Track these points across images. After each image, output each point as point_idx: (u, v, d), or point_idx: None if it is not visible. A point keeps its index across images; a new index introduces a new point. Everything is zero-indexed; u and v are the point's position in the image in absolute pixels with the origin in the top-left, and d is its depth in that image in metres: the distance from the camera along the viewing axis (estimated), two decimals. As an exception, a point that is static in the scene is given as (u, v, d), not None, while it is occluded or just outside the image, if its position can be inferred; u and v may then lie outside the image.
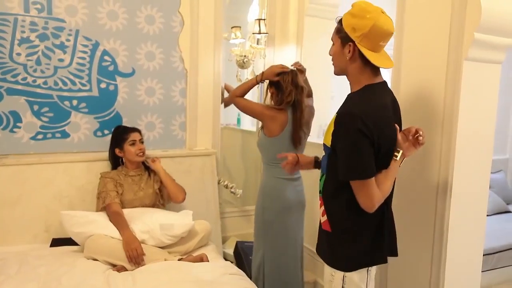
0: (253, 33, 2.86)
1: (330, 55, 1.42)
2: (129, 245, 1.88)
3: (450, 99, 1.63)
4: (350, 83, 1.40)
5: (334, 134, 1.30)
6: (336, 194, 1.36)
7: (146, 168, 2.32)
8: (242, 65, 2.97)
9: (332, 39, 1.40)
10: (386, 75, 1.59)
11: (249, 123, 4.27)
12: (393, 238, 1.45)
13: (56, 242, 2.14)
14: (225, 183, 2.89)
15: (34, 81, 2.30)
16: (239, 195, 2.87)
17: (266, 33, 2.83)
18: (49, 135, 2.37)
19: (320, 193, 1.43)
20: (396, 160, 1.34)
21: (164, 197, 2.31)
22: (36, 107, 2.32)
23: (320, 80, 2.86)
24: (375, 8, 1.29)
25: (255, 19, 2.84)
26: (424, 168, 1.74)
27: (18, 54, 2.25)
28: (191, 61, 2.66)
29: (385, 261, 1.39)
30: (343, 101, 1.38)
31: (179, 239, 2.04)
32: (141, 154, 2.23)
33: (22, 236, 2.17)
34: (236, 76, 3.07)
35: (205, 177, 2.66)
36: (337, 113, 1.33)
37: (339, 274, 1.36)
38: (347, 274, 1.35)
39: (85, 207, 2.24)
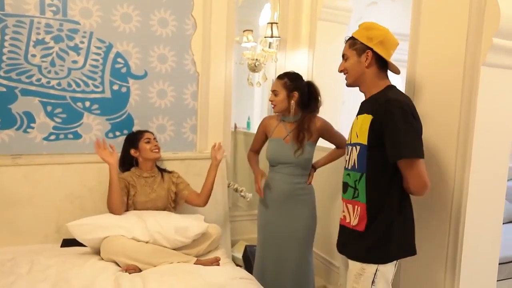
0: (265, 37, 2.86)
1: (341, 71, 1.60)
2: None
3: (466, 105, 1.60)
4: (365, 90, 1.55)
5: (380, 121, 1.40)
6: (384, 190, 1.44)
7: (160, 170, 2.32)
8: (254, 68, 2.97)
9: (345, 55, 1.57)
10: (398, 80, 1.60)
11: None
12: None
13: (67, 243, 2.15)
14: (235, 186, 2.88)
15: (48, 82, 2.32)
16: (248, 199, 2.85)
17: (278, 37, 2.83)
18: (61, 136, 2.38)
19: (353, 195, 1.50)
20: None
21: (177, 200, 2.31)
22: (49, 108, 2.34)
23: (331, 85, 2.85)
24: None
25: (267, 23, 2.84)
26: (439, 175, 1.71)
27: (33, 56, 2.27)
28: (203, 64, 2.66)
29: (415, 253, 1.53)
30: (353, 106, 1.50)
31: (191, 242, 2.03)
32: (157, 150, 2.24)
33: (33, 236, 2.18)
34: (247, 79, 3.07)
35: (215, 180, 2.65)
36: (382, 102, 1.43)
37: (371, 267, 1.45)
38: (380, 267, 1.45)
39: (95, 208, 2.24)
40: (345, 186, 1.56)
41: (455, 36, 1.64)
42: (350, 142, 1.56)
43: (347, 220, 1.54)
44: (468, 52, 1.59)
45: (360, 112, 1.53)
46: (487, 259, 1.73)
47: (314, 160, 2.18)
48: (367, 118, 1.44)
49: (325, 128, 2.12)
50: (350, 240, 1.53)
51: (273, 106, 2.12)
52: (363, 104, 1.56)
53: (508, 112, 1.66)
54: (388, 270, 1.47)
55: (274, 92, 2.09)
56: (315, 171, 2.21)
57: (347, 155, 1.57)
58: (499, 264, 1.77)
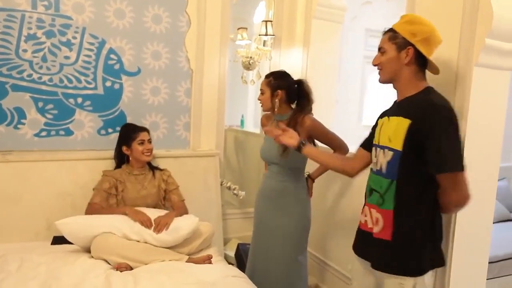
0: (259, 35, 2.85)
1: (376, 64, 1.46)
2: (138, 214, 1.99)
3: (459, 105, 1.61)
4: (400, 88, 1.44)
5: (421, 128, 1.30)
6: (415, 198, 1.36)
7: (151, 167, 2.31)
8: (248, 66, 2.96)
9: (383, 47, 1.43)
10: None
11: (252, 125, 4.27)
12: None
13: (57, 240, 2.12)
14: (228, 184, 2.88)
15: (40, 78, 2.29)
16: (241, 197, 2.85)
17: (273, 35, 2.82)
18: (53, 132, 2.36)
19: (379, 203, 1.42)
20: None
21: (167, 199, 2.29)
22: (40, 104, 2.31)
23: (325, 83, 2.85)
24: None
25: (262, 21, 2.83)
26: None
27: (24, 51, 2.24)
28: (197, 61, 2.65)
29: (445, 263, 1.47)
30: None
31: (183, 240, 2.02)
32: (148, 153, 2.23)
33: (23, 233, 2.16)
34: (241, 77, 3.07)
35: (208, 178, 2.65)
36: (425, 107, 1.33)
37: (408, 282, 1.37)
38: (418, 279, 1.37)
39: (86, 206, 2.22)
40: (371, 190, 1.48)
41: (448, 36, 1.64)
42: (378, 143, 1.46)
43: (369, 226, 1.46)
44: (461, 52, 1.59)
45: (394, 113, 1.42)
46: (477, 258, 1.74)
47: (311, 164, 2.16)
48: (404, 123, 1.33)
49: (314, 128, 2.00)
50: (375, 248, 1.45)
51: (261, 105, 2.11)
52: (397, 105, 1.45)
53: (500, 112, 1.67)
54: (425, 281, 1.39)
55: (261, 91, 2.09)
56: (313, 181, 2.16)
57: (375, 156, 1.49)
58: (488, 263, 1.79)
